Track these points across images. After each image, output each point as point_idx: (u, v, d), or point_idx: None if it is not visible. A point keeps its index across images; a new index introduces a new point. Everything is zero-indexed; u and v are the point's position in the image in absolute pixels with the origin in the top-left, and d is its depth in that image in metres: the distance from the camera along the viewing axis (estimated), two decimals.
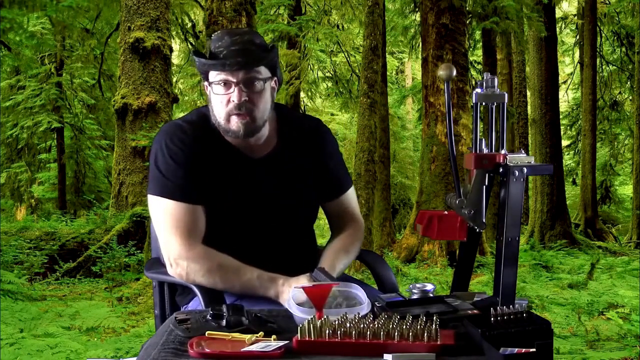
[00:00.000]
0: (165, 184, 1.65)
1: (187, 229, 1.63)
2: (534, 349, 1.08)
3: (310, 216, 1.84)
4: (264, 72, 1.66)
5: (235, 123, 1.65)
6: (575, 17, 16.95)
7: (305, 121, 1.87)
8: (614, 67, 17.39)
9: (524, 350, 1.08)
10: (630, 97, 17.18)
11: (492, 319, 1.17)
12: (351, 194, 1.89)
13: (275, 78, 1.72)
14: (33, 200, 15.71)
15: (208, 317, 1.29)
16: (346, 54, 14.66)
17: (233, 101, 1.63)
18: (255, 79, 1.64)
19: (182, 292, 1.78)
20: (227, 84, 1.63)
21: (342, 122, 19.88)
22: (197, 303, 1.64)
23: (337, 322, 1.16)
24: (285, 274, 1.61)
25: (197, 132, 1.70)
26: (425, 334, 1.13)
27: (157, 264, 1.85)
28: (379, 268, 1.86)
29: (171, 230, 1.63)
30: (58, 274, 6.88)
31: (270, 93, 1.70)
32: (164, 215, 1.65)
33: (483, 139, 1.34)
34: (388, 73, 15.87)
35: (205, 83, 1.71)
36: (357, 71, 13.78)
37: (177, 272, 1.63)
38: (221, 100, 1.65)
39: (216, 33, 1.70)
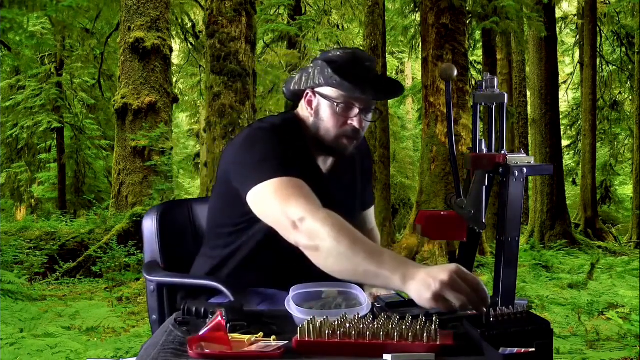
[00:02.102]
0: (265, 168, 1.51)
1: (307, 195, 1.46)
2: (533, 349, 1.08)
3: None
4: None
5: (344, 143, 1.65)
6: (575, 17, 16.95)
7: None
8: (614, 67, 17.40)
9: (523, 350, 1.08)
10: (630, 97, 17.18)
11: (492, 319, 1.17)
12: (372, 211, 1.95)
13: None
14: (33, 200, 15.72)
15: (207, 320, 1.29)
16: None
17: (352, 125, 1.62)
18: (371, 107, 1.65)
19: (190, 293, 1.73)
20: (349, 107, 1.62)
21: None
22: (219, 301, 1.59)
23: (336, 323, 1.16)
24: (305, 278, 1.51)
25: (281, 133, 1.62)
26: (425, 334, 1.13)
27: (157, 266, 1.81)
28: None
29: (289, 198, 1.44)
30: (58, 274, 6.88)
31: None
32: (275, 191, 1.47)
33: (483, 139, 1.34)
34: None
35: (310, 91, 1.66)
36: None
37: (306, 228, 1.39)
38: (338, 119, 1.62)
39: (341, 50, 1.65)
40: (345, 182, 1.77)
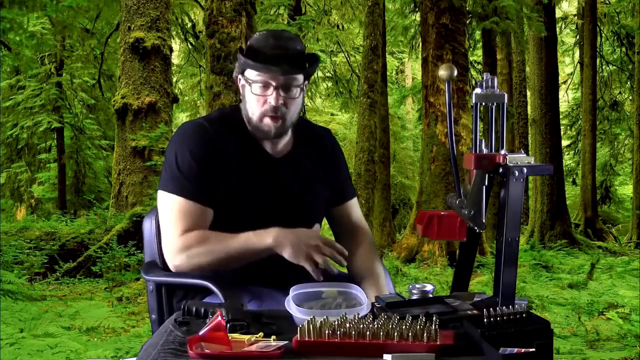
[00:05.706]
0: (179, 181, 1.64)
1: (191, 226, 1.62)
2: (533, 349, 1.08)
3: (321, 220, 1.86)
4: (300, 78, 1.69)
5: (267, 124, 1.67)
6: (575, 17, 16.94)
7: (317, 129, 1.91)
8: (614, 67, 17.38)
9: (523, 350, 1.08)
10: (630, 97, 17.17)
11: (492, 319, 1.17)
12: (355, 203, 1.91)
13: (307, 82, 1.74)
14: (33, 200, 15.71)
15: (207, 320, 1.29)
16: (346, 54, 14.65)
17: (270, 103, 1.65)
18: (293, 85, 1.67)
19: (185, 295, 1.75)
20: (266, 85, 1.65)
21: (342, 122, 19.86)
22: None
23: (336, 323, 1.16)
24: (293, 276, 1.58)
25: (219, 130, 1.70)
26: (425, 334, 1.13)
27: (155, 267, 1.82)
28: None
29: (175, 225, 1.62)
30: (58, 274, 6.88)
31: (302, 98, 1.73)
32: (171, 211, 1.64)
33: (483, 139, 1.34)
34: (388, 73, 15.85)
35: (240, 76, 1.71)
36: (357, 71, 13.77)
37: (179, 261, 1.62)
38: (257, 99, 1.67)
39: (260, 32, 1.71)
40: (306, 169, 1.78)
